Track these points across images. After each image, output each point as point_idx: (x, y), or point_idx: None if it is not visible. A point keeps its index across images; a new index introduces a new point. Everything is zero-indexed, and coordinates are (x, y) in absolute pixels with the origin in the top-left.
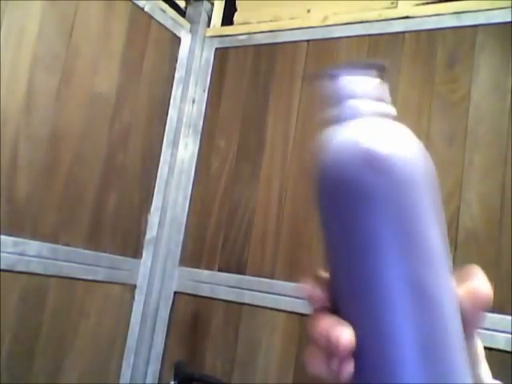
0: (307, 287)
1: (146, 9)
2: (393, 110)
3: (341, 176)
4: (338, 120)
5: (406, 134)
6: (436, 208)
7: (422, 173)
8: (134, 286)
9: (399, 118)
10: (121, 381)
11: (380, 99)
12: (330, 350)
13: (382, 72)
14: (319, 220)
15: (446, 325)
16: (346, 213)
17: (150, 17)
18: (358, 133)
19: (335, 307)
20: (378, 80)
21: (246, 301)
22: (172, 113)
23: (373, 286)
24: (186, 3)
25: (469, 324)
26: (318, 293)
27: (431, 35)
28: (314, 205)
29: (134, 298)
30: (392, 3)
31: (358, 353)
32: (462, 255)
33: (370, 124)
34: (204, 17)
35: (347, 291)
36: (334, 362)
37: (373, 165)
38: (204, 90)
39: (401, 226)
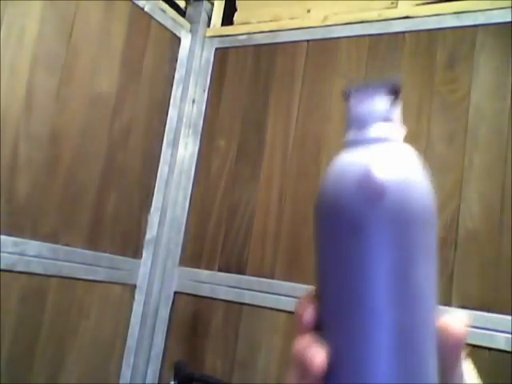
0: (300, 306)
1: (146, 9)
2: (402, 132)
3: (336, 202)
4: (347, 144)
5: (407, 163)
6: (430, 243)
7: (419, 208)
8: (134, 286)
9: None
10: (121, 381)
11: (389, 121)
12: (303, 370)
13: (395, 91)
14: (314, 242)
15: (421, 364)
16: (337, 238)
17: (150, 17)
18: (356, 161)
19: (319, 324)
20: (388, 101)
21: (246, 301)
22: (172, 113)
23: (353, 316)
24: (186, 3)
25: (448, 359)
26: (308, 313)
27: (431, 35)
28: (313, 226)
29: (133, 297)
30: (392, 3)
31: (334, 374)
32: (462, 255)
33: (372, 151)
34: (204, 17)
35: (331, 312)
36: (306, 382)
37: (366, 195)
38: (204, 90)
39: (389, 262)
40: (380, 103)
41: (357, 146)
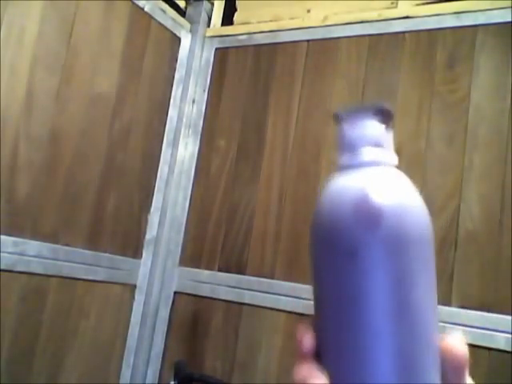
0: (299, 332)
1: (146, 9)
2: (394, 158)
3: (331, 226)
4: (340, 168)
5: (403, 187)
6: (428, 265)
7: (416, 232)
8: (134, 286)
9: (399, 118)
10: (121, 381)
11: (382, 146)
12: None
13: (388, 117)
14: (311, 265)
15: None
16: (335, 263)
17: (150, 17)
18: (351, 185)
19: (319, 350)
20: (382, 126)
21: (246, 301)
22: (172, 113)
23: (353, 341)
24: (186, 3)
25: (452, 379)
26: (307, 339)
27: (431, 35)
28: (309, 250)
29: (134, 298)
30: (392, 3)
31: None
32: (462, 255)
33: (367, 175)
34: (204, 17)
35: (331, 338)
36: None
37: (364, 219)
38: (204, 90)
39: (389, 285)
40: (374, 127)
41: (351, 170)
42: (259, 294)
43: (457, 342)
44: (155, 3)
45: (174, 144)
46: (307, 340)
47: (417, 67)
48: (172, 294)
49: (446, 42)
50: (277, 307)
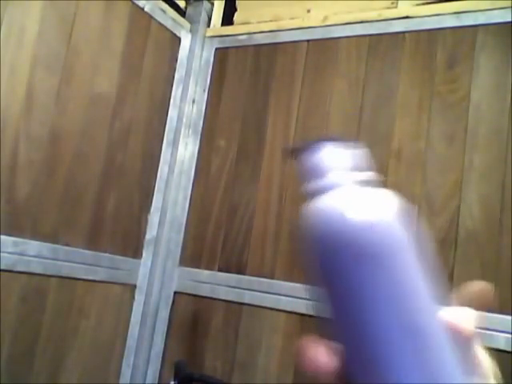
0: (309, 354)
1: (146, 9)
2: (372, 176)
3: (322, 245)
4: (320, 192)
5: (382, 201)
6: (408, 270)
7: (383, 245)
8: (134, 286)
9: (399, 118)
10: (121, 381)
11: (359, 168)
12: None
13: (340, 142)
14: (307, 277)
15: (444, 365)
16: (330, 275)
17: (150, 17)
18: (335, 204)
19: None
20: (355, 149)
21: (246, 301)
22: (172, 113)
23: (364, 341)
24: (186, 3)
25: (462, 352)
26: (323, 356)
27: (431, 35)
28: (302, 266)
29: (134, 297)
30: (392, 3)
31: None
32: (462, 255)
33: (348, 194)
34: (204, 17)
35: (344, 343)
36: None
37: (337, 240)
38: (204, 90)
39: (387, 292)
40: (344, 152)
41: (330, 191)
42: (259, 293)
43: (462, 318)
44: (155, 3)
45: (174, 144)
46: (323, 355)
47: (417, 67)
48: (172, 294)
49: (446, 41)
50: (277, 307)
